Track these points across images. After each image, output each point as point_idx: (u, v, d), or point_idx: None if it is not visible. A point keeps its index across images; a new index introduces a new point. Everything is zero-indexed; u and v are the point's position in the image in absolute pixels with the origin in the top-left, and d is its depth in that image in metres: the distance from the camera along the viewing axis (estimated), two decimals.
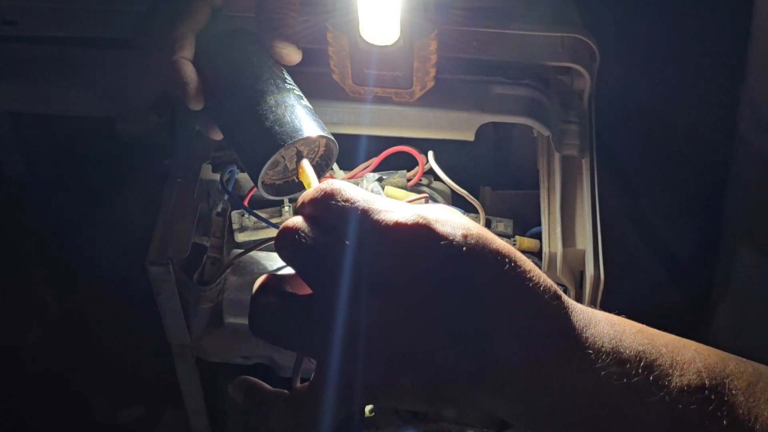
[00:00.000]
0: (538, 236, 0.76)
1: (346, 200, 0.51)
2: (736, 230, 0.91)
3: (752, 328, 0.89)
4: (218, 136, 0.68)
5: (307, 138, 0.63)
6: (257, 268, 0.74)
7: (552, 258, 0.72)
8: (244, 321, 0.74)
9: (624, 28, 0.85)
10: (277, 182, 0.66)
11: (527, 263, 0.49)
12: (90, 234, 0.93)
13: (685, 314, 0.97)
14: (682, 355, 0.49)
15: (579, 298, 0.73)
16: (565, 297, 0.50)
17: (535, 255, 0.78)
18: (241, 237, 0.77)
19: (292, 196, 0.68)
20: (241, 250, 0.74)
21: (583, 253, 0.71)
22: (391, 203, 0.51)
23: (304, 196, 0.54)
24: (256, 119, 0.63)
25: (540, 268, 0.74)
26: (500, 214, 0.79)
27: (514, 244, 0.78)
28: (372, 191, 0.74)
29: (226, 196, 0.78)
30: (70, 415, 1.06)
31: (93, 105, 0.76)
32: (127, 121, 0.77)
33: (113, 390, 1.06)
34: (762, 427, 0.47)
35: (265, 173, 0.64)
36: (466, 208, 0.77)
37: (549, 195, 0.74)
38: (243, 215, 0.78)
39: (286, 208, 0.76)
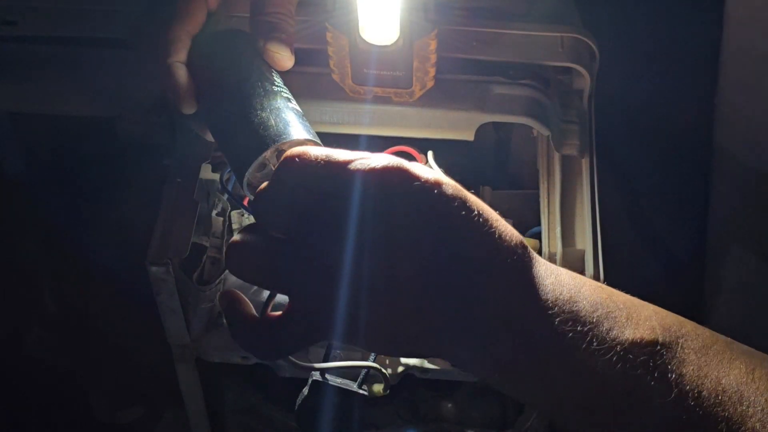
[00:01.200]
0: (537, 236, 0.76)
1: (317, 156, 0.54)
2: (721, 228, 0.91)
3: (750, 327, 0.89)
4: (197, 125, 0.68)
5: (292, 141, 0.62)
6: None
7: (552, 258, 0.71)
8: None
9: (624, 28, 0.86)
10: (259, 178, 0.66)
11: (493, 214, 0.53)
12: (90, 234, 0.93)
13: (684, 314, 0.97)
14: (639, 312, 0.51)
15: None
16: (529, 248, 0.53)
17: None
18: None
19: None
20: None
21: (582, 253, 0.71)
22: (367, 153, 0.53)
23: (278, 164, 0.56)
24: (241, 122, 0.63)
25: None
26: (500, 214, 0.79)
27: None
28: None
29: (225, 196, 0.78)
30: (70, 414, 1.06)
31: (93, 105, 0.76)
32: (127, 121, 0.77)
33: (113, 390, 1.06)
34: (711, 384, 0.48)
35: (252, 175, 0.64)
36: None
37: (549, 195, 0.74)
38: (243, 215, 0.78)
39: None
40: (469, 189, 0.75)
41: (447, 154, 0.77)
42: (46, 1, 0.76)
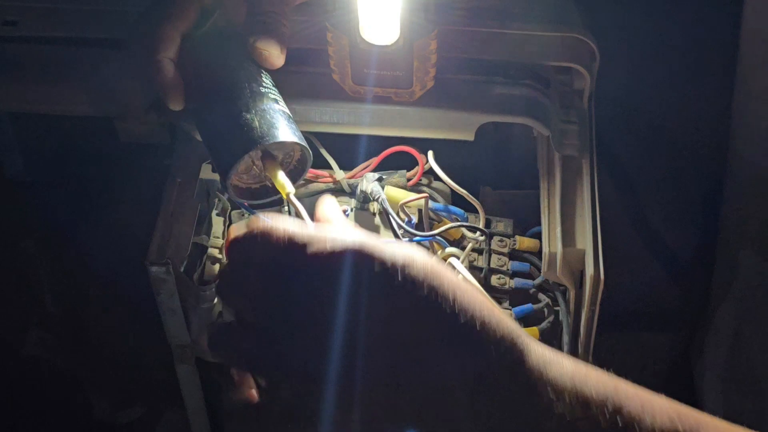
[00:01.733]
0: (538, 236, 0.76)
1: (280, 237, 0.49)
2: (732, 232, 0.91)
3: (751, 329, 0.89)
4: (185, 117, 0.68)
5: (279, 143, 0.62)
6: None
7: (552, 258, 0.71)
8: None
9: (624, 28, 0.86)
10: (252, 186, 0.66)
11: (475, 297, 0.46)
12: (90, 234, 0.93)
13: (685, 314, 0.97)
14: (652, 401, 0.46)
15: (579, 298, 0.73)
16: (523, 336, 0.46)
17: (535, 255, 0.78)
18: None
19: (271, 199, 0.67)
20: None
21: (583, 253, 0.71)
22: (328, 231, 0.49)
23: (234, 237, 0.52)
24: (226, 123, 0.63)
25: (539, 268, 0.74)
26: (500, 214, 0.79)
27: (514, 244, 0.78)
28: (372, 191, 0.74)
29: (226, 196, 0.78)
30: (70, 415, 1.06)
31: (93, 105, 0.76)
32: (127, 121, 0.77)
33: (113, 390, 1.06)
34: None
35: (239, 177, 0.64)
36: (466, 208, 0.77)
37: (549, 195, 0.74)
38: (243, 215, 0.78)
39: (286, 209, 0.76)
40: (469, 189, 0.76)
41: (447, 154, 0.77)
42: (46, 1, 0.76)
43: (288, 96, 0.67)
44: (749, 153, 0.85)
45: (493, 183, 0.82)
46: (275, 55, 0.67)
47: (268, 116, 0.63)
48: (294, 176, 0.65)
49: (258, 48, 0.66)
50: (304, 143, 0.64)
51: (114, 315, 0.97)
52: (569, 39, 0.74)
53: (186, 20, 0.67)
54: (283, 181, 0.63)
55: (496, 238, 0.78)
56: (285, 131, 0.63)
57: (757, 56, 0.81)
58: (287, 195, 0.63)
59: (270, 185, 0.66)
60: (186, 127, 0.70)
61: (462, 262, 0.73)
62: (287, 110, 0.65)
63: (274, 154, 0.64)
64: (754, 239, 0.87)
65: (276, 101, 0.65)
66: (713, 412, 0.47)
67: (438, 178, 0.77)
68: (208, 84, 0.66)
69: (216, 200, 0.79)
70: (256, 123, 0.62)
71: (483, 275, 0.77)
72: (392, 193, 0.76)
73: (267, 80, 0.67)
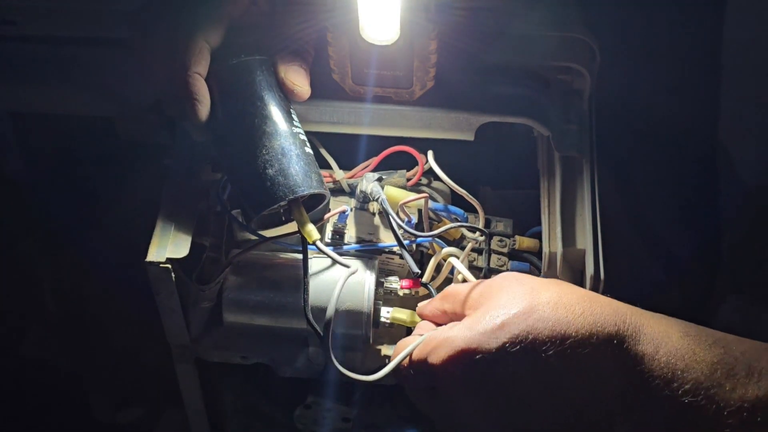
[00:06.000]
0: (538, 236, 0.76)
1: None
2: (736, 234, 0.91)
3: (750, 330, 0.89)
4: (202, 137, 0.69)
5: (306, 194, 0.66)
6: (256, 268, 0.74)
7: (552, 258, 0.71)
8: (244, 320, 0.74)
9: (624, 28, 0.85)
10: (264, 214, 0.68)
11: (582, 302, 0.55)
12: (90, 233, 0.93)
13: (685, 314, 0.97)
14: (759, 361, 0.50)
15: None
16: (630, 321, 0.53)
17: (535, 255, 0.78)
18: (240, 236, 0.77)
19: (287, 232, 0.71)
20: (240, 250, 0.74)
21: (583, 253, 0.71)
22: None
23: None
24: (260, 164, 0.65)
25: (539, 268, 0.74)
26: (500, 214, 0.79)
27: (513, 244, 0.78)
28: (372, 191, 0.74)
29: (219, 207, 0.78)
30: (70, 414, 1.06)
31: (93, 105, 0.76)
32: (127, 121, 0.77)
33: (113, 390, 1.06)
34: None
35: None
36: (466, 208, 0.77)
37: (549, 195, 0.74)
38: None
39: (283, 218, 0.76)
40: (469, 189, 0.76)
41: (447, 154, 0.77)
42: (46, 1, 0.76)
43: None
44: (739, 158, 0.85)
45: (493, 183, 0.82)
46: (305, 91, 0.68)
47: (301, 163, 0.66)
48: (307, 208, 0.68)
49: (289, 81, 0.67)
50: (328, 192, 0.67)
51: (114, 315, 0.97)
52: (569, 39, 0.74)
53: (217, 34, 0.66)
54: (310, 229, 0.67)
55: (495, 238, 0.78)
56: (314, 181, 0.66)
57: (740, 64, 0.81)
58: (314, 242, 0.67)
59: (279, 213, 0.69)
60: (194, 135, 0.70)
61: (462, 262, 0.73)
62: (311, 150, 0.68)
63: (298, 198, 0.66)
64: (753, 243, 0.87)
65: (305, 143, 0.68)
66: None
67: (438, 178, 0.77)
68: (239, 114, 0.67)
69: (215, 200, 0.79)
70: (292, 170, 0.65)
71: (483, 275, 0.77)
72: (392, 193, 0.76)
73: (296, 117, 0.68)
